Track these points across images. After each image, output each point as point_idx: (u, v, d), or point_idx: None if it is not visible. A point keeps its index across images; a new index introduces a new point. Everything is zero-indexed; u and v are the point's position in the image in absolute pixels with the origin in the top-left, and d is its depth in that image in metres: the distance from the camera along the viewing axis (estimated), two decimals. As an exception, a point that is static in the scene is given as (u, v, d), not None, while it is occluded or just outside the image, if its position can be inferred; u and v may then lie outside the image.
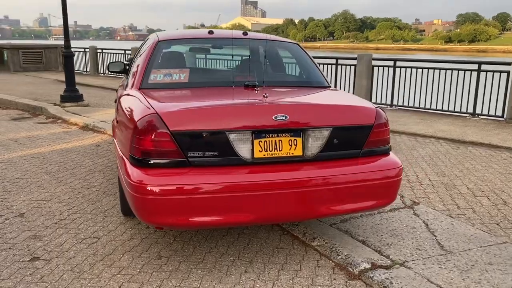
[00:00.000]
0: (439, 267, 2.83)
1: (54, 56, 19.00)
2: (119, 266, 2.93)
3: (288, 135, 2.78)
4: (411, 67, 9.61)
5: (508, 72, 8.31)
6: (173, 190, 2.57)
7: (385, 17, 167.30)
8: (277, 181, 2.69)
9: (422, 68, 9.40)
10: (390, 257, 2.97)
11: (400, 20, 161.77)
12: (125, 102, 3.28)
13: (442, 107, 9.09)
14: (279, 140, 2.77)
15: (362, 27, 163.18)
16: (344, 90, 10.48)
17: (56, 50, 19.03)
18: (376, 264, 2.86)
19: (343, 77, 10.53)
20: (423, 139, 6.80)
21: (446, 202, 4.06)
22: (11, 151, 5.95)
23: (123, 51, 16.32)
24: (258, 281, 2.78)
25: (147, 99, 2.97)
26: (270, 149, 2.76)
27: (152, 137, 2.63)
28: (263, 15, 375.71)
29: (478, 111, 8.69)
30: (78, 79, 14.03)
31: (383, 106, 9.94)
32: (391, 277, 2.67)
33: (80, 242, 3.27)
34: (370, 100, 10.11)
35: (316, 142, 2.83)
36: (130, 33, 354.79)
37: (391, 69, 9.83)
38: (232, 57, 3.80)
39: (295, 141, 2.80)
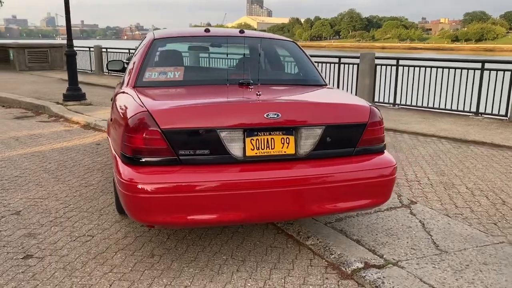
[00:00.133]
0: (433, 267, 2.80)
1: (59, 55, 19.07)
2: (111, 264, 2.93)
3: (280, 133, 2.76)
4: (414, 66, 9.55)
5: (512, 71, 8.23)
6: (163, 189, 2.57)
7: (392, 16, 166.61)
8: (269, 180, 2.68)
9: (425, 67, 9.33)
10: (384, 256, 2.95)
11: (406, 19, 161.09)
12: (119, 100, 3.27)
13: (445, 106, 9.02)
14: (271, 138, 2.75)
15: (368, 26, 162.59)
16: (347, 89, 10.44)
17: (61, 50, 19.08)
18: (369, 263, 2.84)
19: (345, 76, 10.48)
20: (424, 138, 6.75)
21: (444, 201, 4.02)
22: (11, 149, 5.98)
23: (127, 50, 16.36)
24: (250, 280, 2.76)
25: (140, 97, 2.96)
26: (262, 148, 2.74)
27: (143, 135, 2.62)
28: (269, 14, 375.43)
29: (481, 110, 8.61)
30: (82, 78, 14.17)
31: (385, 105, 9.89)
32: (383, 277, 2.64)
33: (74, 240, 3.27)
34: (373, 99, 10.08)
35: (308, 140, 2.81)
36: (137, 32, 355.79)
37: (393, 68, 9.78)
38: (227, 55, 3.78)
39: (287, 139, 2.78)
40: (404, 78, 9.55)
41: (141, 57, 3.55)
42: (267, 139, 2.75)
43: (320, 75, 3.82)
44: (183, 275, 2.81)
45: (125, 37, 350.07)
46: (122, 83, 3.75)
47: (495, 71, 8.44)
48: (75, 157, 5.61)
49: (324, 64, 10.82)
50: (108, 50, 17.29)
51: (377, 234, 3.30)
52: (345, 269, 2.82)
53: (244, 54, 3.64)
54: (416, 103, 9.49)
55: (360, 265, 2.81)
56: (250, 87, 3.16)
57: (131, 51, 15.98)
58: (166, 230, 3.42)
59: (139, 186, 2.56)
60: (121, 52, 16.77)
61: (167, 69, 3.50)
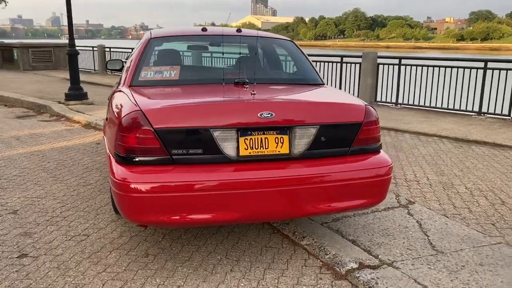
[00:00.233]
0: (428, 268, 2.78)
1: (63, 55, 19.10)
2: (105, 263, 2.93)
3: (274, 132, 2.75)
4: (416, 65, 9.50)
5: (515, 70, 8.17)
6: (156, 188, 2.56)
7: (396, 15, 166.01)
8: (262, 180, 2.66)
9: (428, 66, 9.28)
10: (379, 257, 2.92)
11: (411, 18, 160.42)
12: (114, 99, 3.27)
13: (448, 106, 8.96)
14: (265, 138, 2.74)
15: (373, 25, 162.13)
16: (349, 88, 10.41)
17: (65, 49, 18.91)
18: (364, 264, 2.82)
19: (348, 75, 10.44)
20: (425, 137, 6.71)
21: (443, 201, 3.99)
22: (12, 148, 6.00)
23: (130, 50, 16.37)
24: (243, 280, 2.75)
25: (134, 96, 2.96)
26: (256, 147, 2.73)
27: (136, 134, 2.61)
28: (274, 13, 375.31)
29: (484, 109, 8.55)
30: (86, 77, 14.21)
31: (388, 104, 9.85)
32: (377, 277, 2.62)
33: (69, 240, 3.27)
34: (375, 99, 10.04)
35: (303, 140, 2.79)
36: (141, 32, 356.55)
37: (396, 67, 9.73)
38: (223, 54, 3.77)
39: (281, 139, 2.76)
40: (407, 78, 9.50)
41: (138, 56, 3.55)
42: (261, 138, 2.73)
43: (318, 74, 3.79)
44: (177, 274, 2.80)
45: (130, 36, 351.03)
46: (119, 82, 3.75)
47: (498, 70, 8.38)
48: (74, 156, 5.62)
49: (326, 64, 10.77)
50: (112, 49, 17.31)
51: (373, 234, 3.27)
52: (340, 269, 2.80)
53: (240, 53, 3.63)
54: (419, 103, 9.44)
55: (355, 266, 2.79)
56: (246, 86, 3.14)
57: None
58: (162, 229, 3.41)
59: (132, 186, 2.56)
60: (124, 52, 16.79)
61: (163, 68, 3.50)
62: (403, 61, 9.74)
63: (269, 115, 2.70)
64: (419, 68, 9.39)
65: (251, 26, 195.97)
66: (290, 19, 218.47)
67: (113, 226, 3.51)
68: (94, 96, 10.37)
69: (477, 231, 3.36)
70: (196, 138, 2.65)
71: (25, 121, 8.05)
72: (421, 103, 9.39)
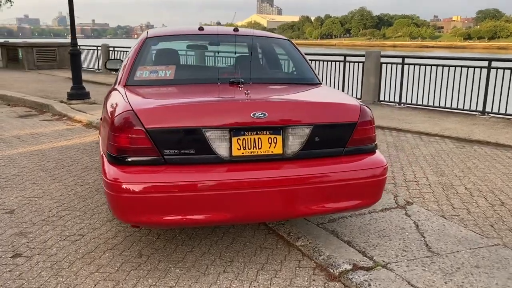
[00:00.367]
0: (423, 269, 2.74)
1: (67, 54, 19.12)
2: (98, 264, 2.92)
3: (267, 132, 2.72)
4: (420, 65, 9.43)
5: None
6: (148, 188, 2.55)
7: (403, 14, 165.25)
8: (255, 180, 2.64)
9: (431, 65, 9.21)
10: (374, 258, 2.89)
11: (418, 17, 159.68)
12: (109, 99, 3.26)
13: (451, 105, 8.89)
14: (258, 138, 2.72)
15: (379, 24, 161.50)
16: (352, 87, 10.35)
17: (69, 48, 19.23)
18: (358, 265, 2.79)
19: (351, 74, 10.39)
20: (427, 137, 6.66)
21: (441, 202, 3.95)
22: (12, 148, 6.01)
23: (134, 49, 16.37)
24: (236, 281, 2.73)
25: (128, 96, 2.94)
26: (249, 147, 2.71)
27: (127, 134, 2.60)
28: (279, 12, 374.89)
29: (488, 109, 8.47)
30: (90, 77, 14.26)
31: (391, 104, 9.79)
32: (370, 279, 2.59)
33: (64, 239, 3.27)
34: (378, 98, 9.98)
35: (296, 140, 2.77)
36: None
37: (399, 67, 9.67)
38: (218, 53, 3.75)
39: (274, 139, 2.74)
40: (410, 77, 9.44)
41: (133, 55, 3.54)
42: (254, 138, 2.71)
43: (315, 74, 3.76)
44: (169, 275, 2.79)
45: (136, 36, 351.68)
46: (115, 82, 3.74)
47: (502, 70, 8.30)
48: (74, 155, 5.62)
49: (329, 63, 10.72)
50: (116, 49, 17.35)
51: (369, 236, 3.24)
52: (333, 271, 2.78)
53: (235, 52, 3.61)
54: (422, 102, 9.37)
55: (348, 267, 2.76)
56: (240, 86, 3.12)
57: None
58: (156, 230, 3.40)
59: (124, 186, 2.54)
60: (128, 51, 16.81)
61: (158, 68, 3.48)
62: (407, 60, 9.67)
63: (262, 115, 2.68)
64: (423, 67, 9.31)
65: (257, 25, 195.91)
66: (296, 18, 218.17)
67: (108, 226, 3.50)
68: (96, 95, 10.38)
69: (474, 232, 3.32)
70: (188, 138, 2.63)
71: (27, 120, 8.07)
72: (425, 103, 9.32)
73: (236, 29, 3.88)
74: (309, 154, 2.80)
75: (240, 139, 2.69)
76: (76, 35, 9.70)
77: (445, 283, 2.59)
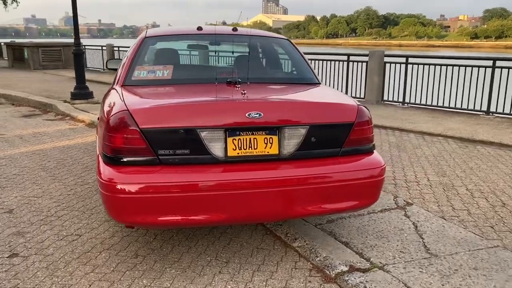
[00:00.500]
0: (420, 271, 2.71)
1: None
2: (94, 264, 2.91)
3: (263, 133, 2.71)
4: (424, 64, 9.36)
5: (524, 68, 8.01)
6: (142, 189, 2.53)
7: (409, 13, 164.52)
8: (251, 180, 2.62)
9: (435, 65, 9.15)
10: (371, 259, 2.87)
11: (424, 16, 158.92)
12: (106, 99, 3.26)
13: (455, 105, 8.82)
14: (253, 138, 2.70)
15: (385, 23, 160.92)
16: (356, 87, 10.30)
17: (74, 48, 19.31)
18: (354, 267, 2.76)
19: (354, 74, 10.34)
20: (430, 137, 6.61)
21: (441, 203, 3.91)
22: (14, 147, 6.04)
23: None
24: (231, 282, 2.71)
25: (124, 96, 2.94)
26: (245, 148, 2.69)
27: (122, 134, 2.59)
28: (285, 12, 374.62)
29: (492, 109, 8.40)
30: (94, 76, 14.31)
31: (394, 103, 9.74)
32: (366, 281, 2.57)
33: (61, 239, 3.27)
34: (382, 98, 9.93)
35: (292, 140, 2.75)
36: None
37: (403, 66, 9.61)
38: (215, 53, 3.73)
39: (270, 139, 2.72)
40: (414, 77, 9.38)
41: (131, 55, 3.53)
42: (250, 139, 2.69)
43: (314, 74, 3.74)
44: (164, 276, 2.78)
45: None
46: (113, 82, 3.74)
47: (507, 69, 8.22)
48: (75, 155, 5.63)
49: (332, 62, 10.68)
50: (120, 48, 17.38)
51: (367, 237, 3.21)
52: (329, 272, 2.75)
53: (233, 52, 3.59)
54: (426, 102, 9.32)
55: (345, 269, 2.74)
56: (237, 86, 3.10)
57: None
58: (154, 230, 3.39)
59: (118, 186, 2.54)
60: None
61: (156, 68, 3.48)
62: (410, 60, 9.61)
63: (258, 115, 2.66)
64: (426, 67, 9.25)
65: (262, 24, 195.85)
66: (301, 18, 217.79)
67: (106, 226, 3.50)
68: (100, 95, 10.31)
69: (474, 234, 3.29)
70: (183, 138, 2.62)
71: (30, 120, 8.11)
72: (428, 103, 9.26)
73: (235, 29, 3.86)
74: (306, 155, 2.78)
75: (235, 139, 2.67)
76: (83, 35, 9.79)
77: (442, 285, 2.56)
